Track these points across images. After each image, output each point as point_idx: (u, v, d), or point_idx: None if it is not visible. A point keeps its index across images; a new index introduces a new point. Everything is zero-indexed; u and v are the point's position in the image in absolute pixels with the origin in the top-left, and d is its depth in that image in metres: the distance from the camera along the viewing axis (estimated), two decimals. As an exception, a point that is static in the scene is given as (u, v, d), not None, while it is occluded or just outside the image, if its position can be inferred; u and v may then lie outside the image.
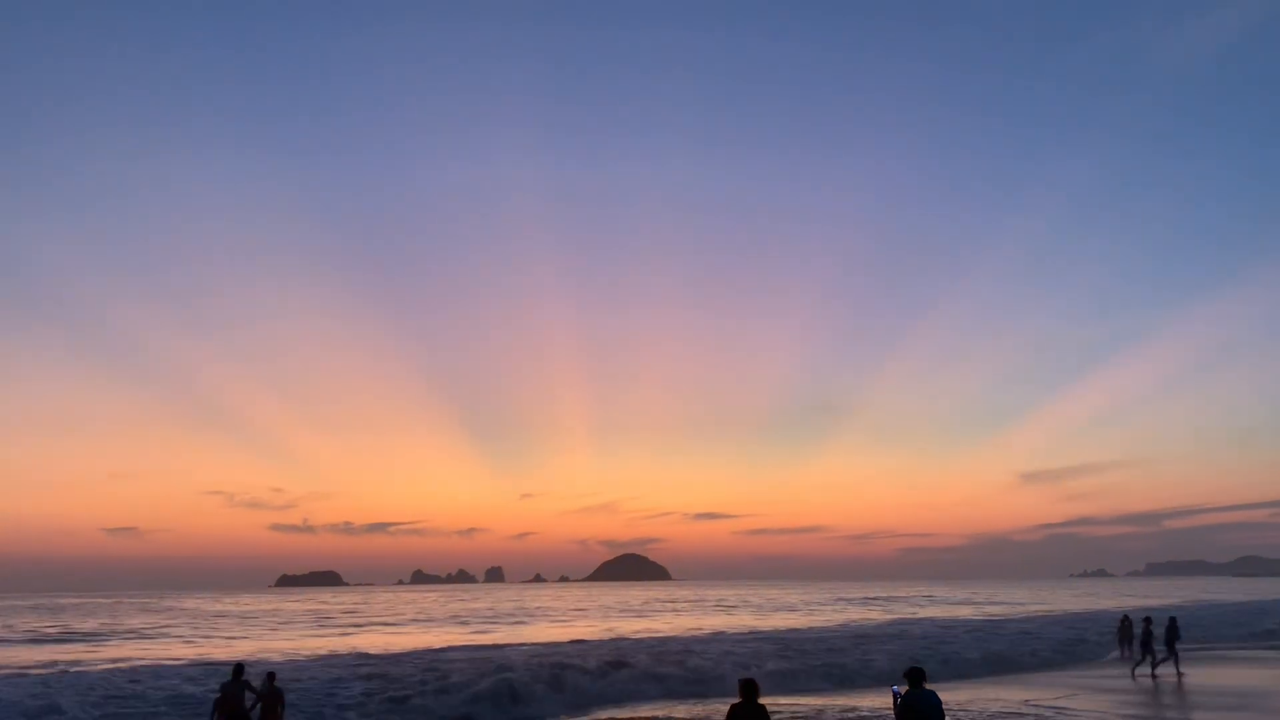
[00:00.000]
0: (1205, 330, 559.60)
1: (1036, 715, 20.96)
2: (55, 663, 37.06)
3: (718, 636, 48.58)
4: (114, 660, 37.70)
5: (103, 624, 71.79)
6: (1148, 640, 30.11)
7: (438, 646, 43.61)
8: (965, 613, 75.09)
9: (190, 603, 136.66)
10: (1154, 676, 29.13)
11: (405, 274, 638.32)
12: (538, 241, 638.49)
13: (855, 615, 71.32)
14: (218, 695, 17.07)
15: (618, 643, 45.53)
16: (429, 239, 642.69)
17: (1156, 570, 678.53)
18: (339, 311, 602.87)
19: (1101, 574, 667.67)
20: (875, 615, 71.76)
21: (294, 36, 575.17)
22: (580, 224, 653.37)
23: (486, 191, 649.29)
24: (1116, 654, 40.82)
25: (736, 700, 10.41)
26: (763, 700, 10.58)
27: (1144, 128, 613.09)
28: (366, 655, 37.64)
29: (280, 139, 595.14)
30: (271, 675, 17.88)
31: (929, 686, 11.31)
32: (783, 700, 24.66)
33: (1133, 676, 29.28)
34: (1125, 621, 42.68)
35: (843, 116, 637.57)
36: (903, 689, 11.21)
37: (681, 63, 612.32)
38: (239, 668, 17.33)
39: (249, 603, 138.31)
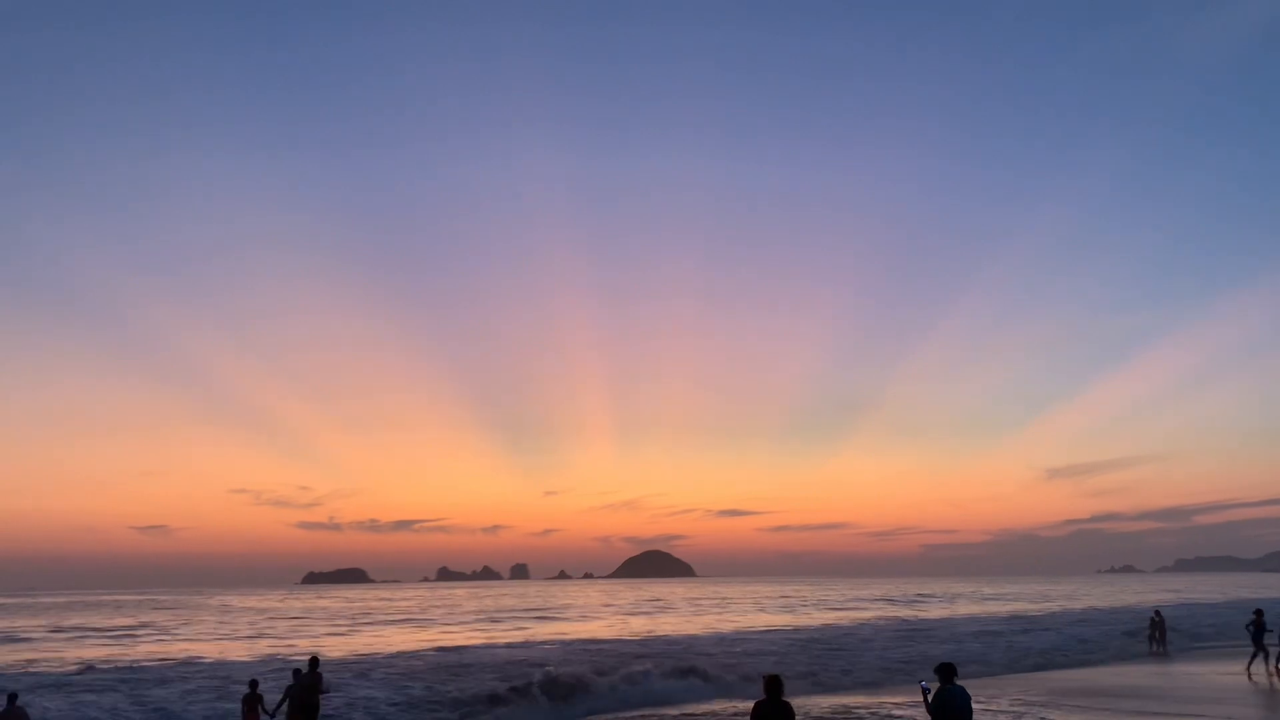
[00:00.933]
0: (1234, 323, 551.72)
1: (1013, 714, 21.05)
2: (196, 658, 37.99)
3: (757, 634, 48.97)
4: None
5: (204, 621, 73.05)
6: (1260, 635, 28.32)
7: (480, 643, 44.35)
8: (992, 609, 75.02)
9: (237, 600, 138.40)
10: (1277, 673, 27.44)
11: (428, 272, 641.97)
12: (560, 239, 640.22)
13: (891, 613, 71.36)
14: (291, 685, 18.06)
15: (652, 640, 46.03)
16: (451, 237, 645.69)
17: (1185, 566, 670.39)
18: (364, 310, 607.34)
19: (1129, 570, 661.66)
20: (906, 613, 71.79)
21: (318, 36, 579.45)
22: (602, 221, 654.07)
23: (509, 190, 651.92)
24: (1147, 649, 40.79)
25: (761, 698, 10.36)
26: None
27: (1176, 115, 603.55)
28: (419, 651, 38.30)
29: (306, 138, 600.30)
30: (298, 672, 18.75)
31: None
32: (817, 700, 24.92)
33: (1248, 675, 27.78)
34: (1156, 618, 42.61)
35: (865, 109, 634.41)
36: (932, 684, 11.36)
37: (701, 57, 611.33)
38: (314, 660, 18.55)
39: (295, 600, 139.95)
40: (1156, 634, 41.29)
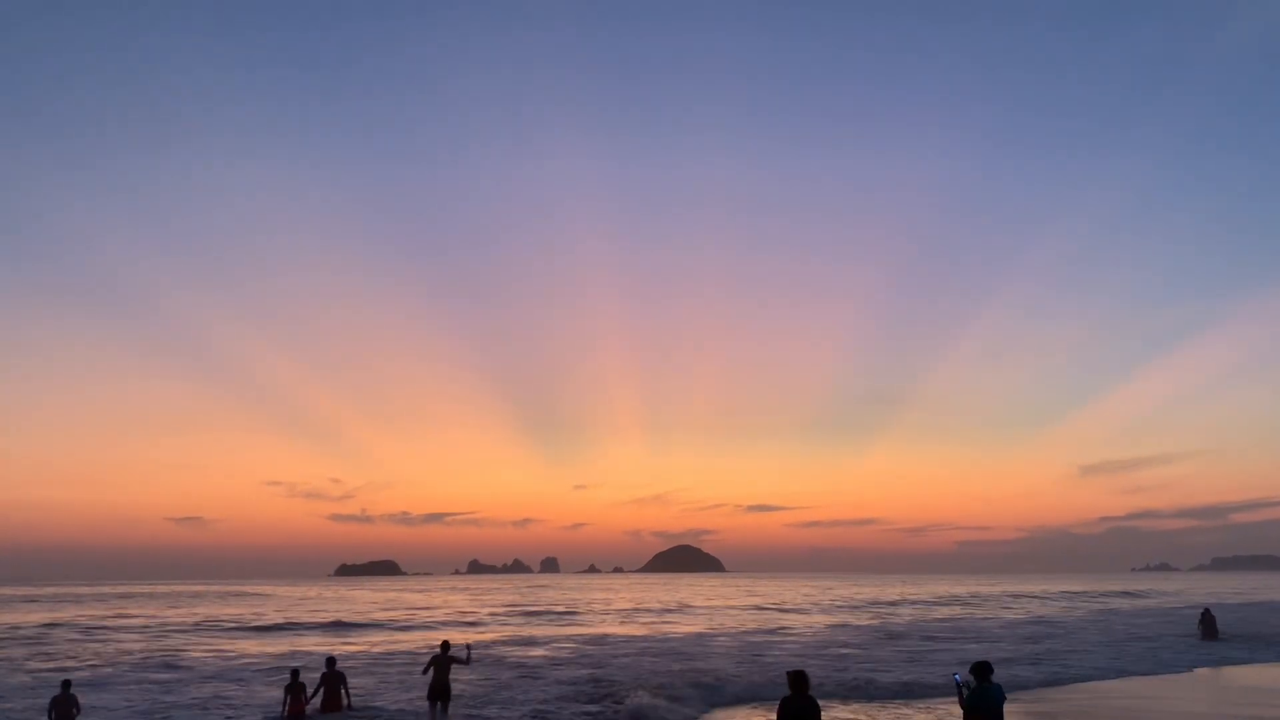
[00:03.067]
0: (1274, 317, 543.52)
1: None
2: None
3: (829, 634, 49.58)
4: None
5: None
6: None
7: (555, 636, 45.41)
8: (1045, 610, 75.11)
9: (314, 591, 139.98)
10: None
11: (460, 268, 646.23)
12: (589, 235, 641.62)
13: (967, 613, 71.58)
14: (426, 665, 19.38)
15: (710, 636, 47.06)
16: (483, 234, 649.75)
17: (1223, 565, 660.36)
18: (397, 305, 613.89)
19: (1164, 568, 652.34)
20: (953, 613, 72.11)
21: (354, 38, 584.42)
22: (631, 216, 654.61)
23: (538, 187, 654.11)
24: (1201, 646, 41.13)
25: (786, 694, 10.07)
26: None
27: (1217, 105, 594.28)
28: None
29: (342, 137, 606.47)
30: (331, 660, 20.06)
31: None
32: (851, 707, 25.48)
33: None
34: (1206, 615, 43.19)
35: (894, 103, 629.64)
36: (965, 677, 11.57)
37: (729, 56, 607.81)
38: (445, 645, 19.75)
39: (369, 591, 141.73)
40: (1207, 631, 41.93)
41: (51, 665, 33.71)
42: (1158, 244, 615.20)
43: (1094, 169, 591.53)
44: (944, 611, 69.09)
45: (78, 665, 33.62)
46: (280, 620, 61.56)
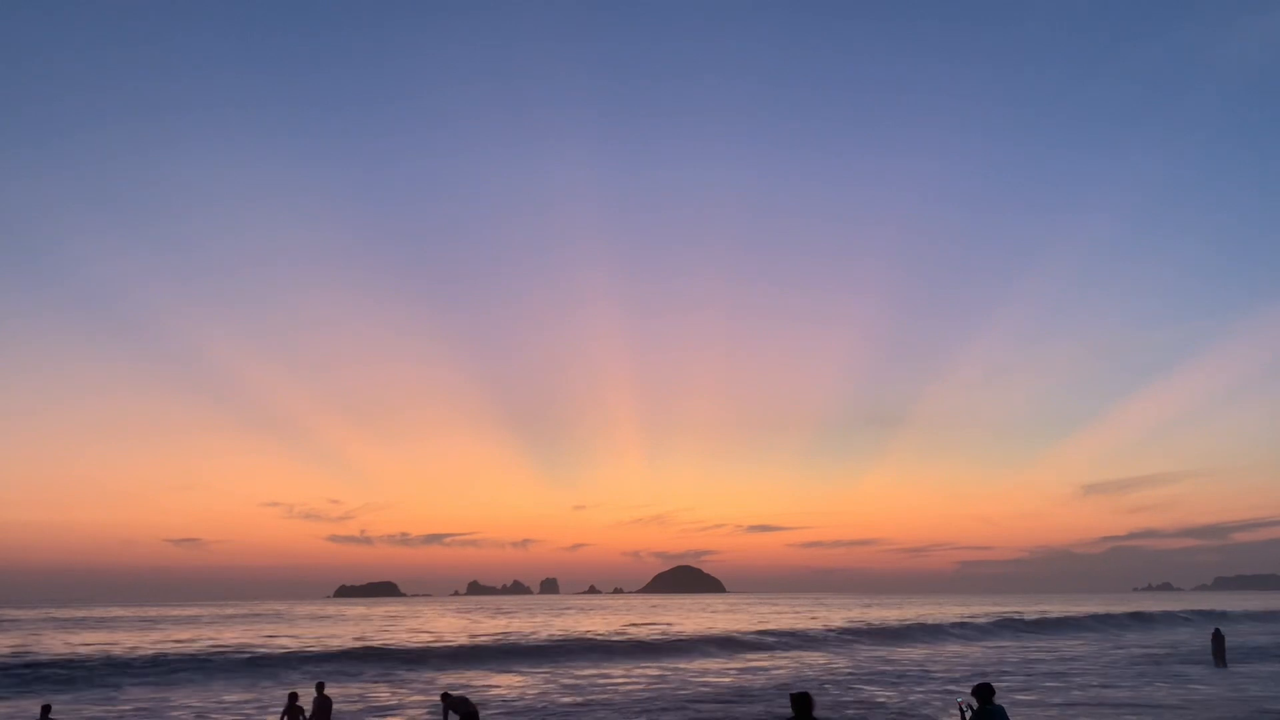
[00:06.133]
0: (1271, 336, 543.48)
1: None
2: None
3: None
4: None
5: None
6: None
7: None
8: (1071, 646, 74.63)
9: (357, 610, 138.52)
10: None
11: (459, 285, 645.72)
12: (588, 250, 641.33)
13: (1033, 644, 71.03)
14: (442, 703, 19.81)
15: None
16: (482, 251, 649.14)
17: (1225, 584, 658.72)
18: (395, 323, 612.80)
19: (1167, 588, 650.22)
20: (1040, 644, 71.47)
21: (351, 52, 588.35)
22: (631, 234, 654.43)
23: (536, 200, 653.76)
24: (1215, 669, 41.18)
25: (789, 715, 9.90)
26: None
27: (1215, 125, 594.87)
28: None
29: (338, 152, 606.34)
30: (320, 685, 20.46)
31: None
32: None
33: None
34: (1218, 635, 43.32)
35: (897, 118, 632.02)
36: (968, 700, 11.67)
37: (730, 67, 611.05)
38: (445, 695, 20.20)
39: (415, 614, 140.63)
40: (1220, 652, 42.03)
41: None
42: (1157, 265, 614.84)
43: (1092, 191, 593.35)
44: (944, 634, 69.00)
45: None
46: (284, 645, 59.77)
